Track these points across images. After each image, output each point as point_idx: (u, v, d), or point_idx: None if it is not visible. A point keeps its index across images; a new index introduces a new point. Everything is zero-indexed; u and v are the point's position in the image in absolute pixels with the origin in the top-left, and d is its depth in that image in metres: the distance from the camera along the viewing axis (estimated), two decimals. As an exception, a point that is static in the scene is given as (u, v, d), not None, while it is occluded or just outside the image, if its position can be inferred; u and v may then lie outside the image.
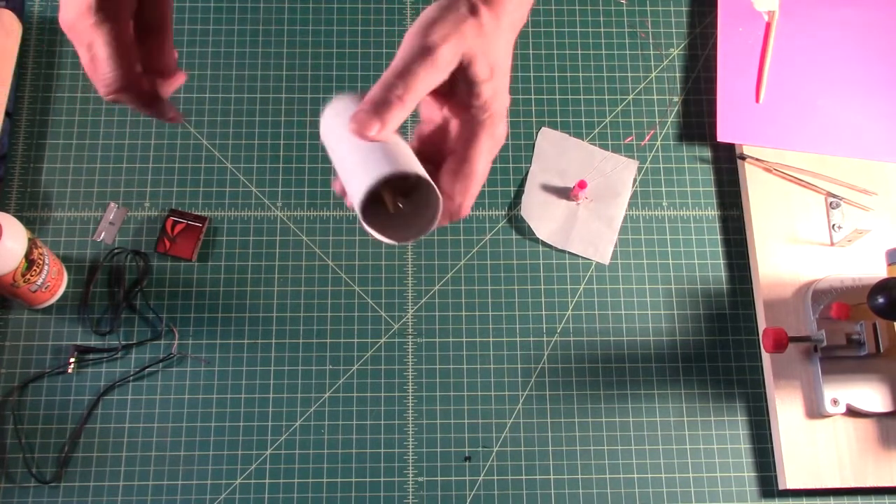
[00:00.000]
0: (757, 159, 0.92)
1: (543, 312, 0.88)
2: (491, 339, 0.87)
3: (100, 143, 0.92)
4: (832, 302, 0.84)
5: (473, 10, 0.49)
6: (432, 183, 0.51)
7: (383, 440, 0.84)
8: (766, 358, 0.87)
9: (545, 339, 0.88)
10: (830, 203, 0.91)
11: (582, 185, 0.89)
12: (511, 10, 0.51)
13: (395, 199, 0.54)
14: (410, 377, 0.86)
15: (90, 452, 0.82)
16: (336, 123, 0.54)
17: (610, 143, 0.94)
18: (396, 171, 0.49)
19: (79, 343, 0.85)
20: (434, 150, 0.54)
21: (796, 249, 0.90)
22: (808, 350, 0.86)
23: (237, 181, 0.92)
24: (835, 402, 0.83)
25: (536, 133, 0.94)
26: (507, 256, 0.90)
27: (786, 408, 0.84)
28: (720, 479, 0.84)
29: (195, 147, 0.92)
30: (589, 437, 0.85)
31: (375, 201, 0.53)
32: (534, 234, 0.90)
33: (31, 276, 0.80)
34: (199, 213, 0.90)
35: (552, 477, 0.83)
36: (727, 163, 0.94)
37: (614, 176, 0.93)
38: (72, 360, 0.84)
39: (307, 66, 0.96)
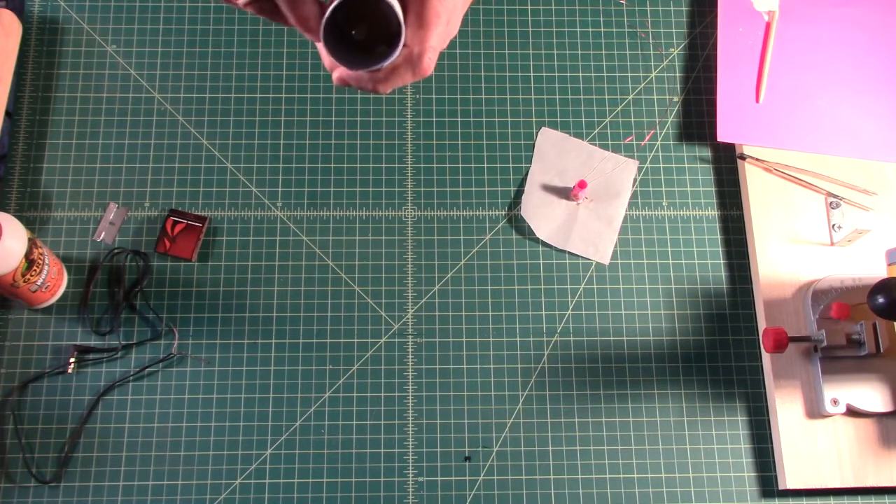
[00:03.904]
0: (757, 159, 0.92)
1: (543, 312, 0.88)
2: (491, 339, 0.87)
3: (100, 143, 0.92)
4: (832, 302, 0.84)
5: None
6: (392, 4, 0.53)
7: (383, 440, 0.84)
8: (766, 358, 0.87)
9: (545, 339, 0.88)
10: (830, 203, 0.91)
11: (582, 185, 0.89)
12: None
13: (365, 33, 0.57)
14: (410, 377, 0.86)
15: (90, 452, 0.82)
16: None
17: (610, 143, 0.94)
18: None
19: (79, 343, 0.85)
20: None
21: (796, 249, 0.90)
22: (808, 350, 0.86)
23: (237, 181, 0.92)
24: (835, 402, 0.83)
25: (536, 133, 0.94)
26: (507, 256, 0.90)
27: (786, 408, 0.84)
28: (720, 479, 0.84)
29: (195, 147, 0.92)
30: (589, 437, 0.85)
31: (356, 45, 0.57)
32: (534, 234, 0.90)
33: (31, 276, 0.80)
34: (199, 213, 0.90)
35: (552, 477, 0.83)
36: (727, 163, 0.94)
37: (614, 176, 0.93)
38: (72, 360, 0.84)
39: (307, 66, 0.96)
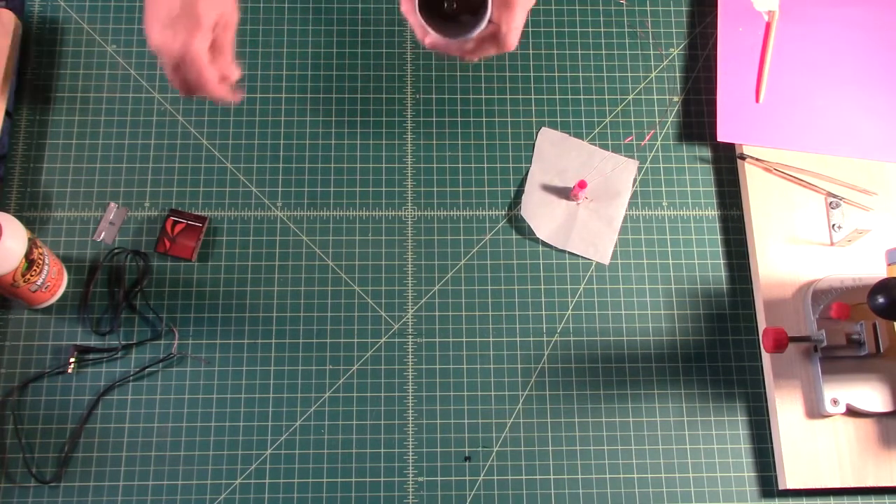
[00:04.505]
0: (757, 159, 0.92)
1: (543, 312, 0.88)
2: (491, 339, 0.87)
3: (100, 143, 0.92)
4: (832, 302, 0.84)
5: None
6: None
7: (383, 440, 0.84)
8: (766, 358, 0.87)
9: (545, 339, 0.88)
10: (830, 203, 0.91)
11: (582, 185, 0.89)
12: None
13: (455, 8, 0.65)
14: (410, 377, 0.86)
15: (90, 452, 0.82)
16: None
17: (610, 143, 0.94)
18: None
19: (79, 343, 0.85)
20: None
21: (796, 249, 0.90)
22: (808, 350, 0.86)
23: (237, 181, 0.92)
24: (835, 402, 0.83)
25: (536, 133, 0.94)
26: (507, 256, 0.90)
27: (786, 408, 0.84)
28: (720, 479, 0.84)
29: (195, 147, 0.92)
30: (589, 437, 0.85)
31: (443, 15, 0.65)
32: (534, 234, 0.90)
33: (31, 276, 0.80)
34: (199, 213, 0.90)
35: (552, 477, 0.83)
36: (727, 163, 0.94)
37: (614, 176, 0.93)
38: (72, 360, 0.84)
39: (307, 66, 0.96)
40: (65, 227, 0.89)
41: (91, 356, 0.85)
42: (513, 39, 0.65)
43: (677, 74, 0.97)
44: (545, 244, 0.91)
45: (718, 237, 0.92)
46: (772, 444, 0.85)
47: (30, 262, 0.79)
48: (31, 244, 0.79)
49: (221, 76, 0.73)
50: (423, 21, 0.64)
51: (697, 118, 0.96)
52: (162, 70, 0.89)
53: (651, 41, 0.99)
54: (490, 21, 0.65)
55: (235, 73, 0.75)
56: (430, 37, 0.66)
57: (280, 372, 0.85)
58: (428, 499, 0.82)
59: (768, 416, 0.86)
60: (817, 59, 0.96)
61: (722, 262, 0.91)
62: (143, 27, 0.95)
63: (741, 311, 0.89)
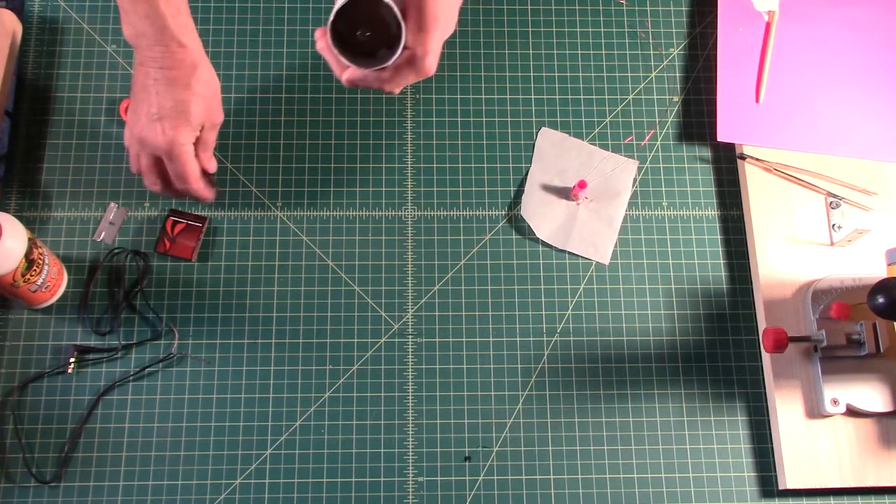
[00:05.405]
0: (757, 159, 0.92)
1: (543, 312, 0.88)
2: (491, 339, 0.87)
3: (100, 143, 0.92)
4: (832, 302, 0.84)
5: None
6: (392, 6, 0.60)
7: (383, 440, 0.84)
8: (766, 358, 0.87)
9: (545, 339, 0.88)
10: (830, 203, 0.91)
11: (582, 185, 0.89)
12: None
13: (367, 36, 0.63)
14: (410, 377, 0.86)
15: (90, 452, 0.82)
16: None
17: (610, 143, 0.94)
18: None
19: (79, 343, 0.85)
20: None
21: (796, 249, 0.90)
22: (808, 350, 0.86)
23: (237, 181, 0.92)
24: (835, 402, 0.83)
25: (536, 133, 0.94)
26: (507, 256, 0.90)
27: (786, 408, 0.84)
28: (720, 479, 0.84)
29: (195, 147, 0.92)
30: (589, 437, 0.85)
31: (359, 45, 0.63)
32: (534, 234, 0.90)
33: (31, 276, 0.80)
34: (199, 213, 0.90)
35: (552, 477, 0.83)
36: (727, 163, 0.94)
37: (614, 176, 0.93)
38: (72, 360, 0.84)
39: (307, 66, 0.96)
40: (65, 227, 0.89)
41: (91, 356, 0.85)
42: (430, 63, 0.63)
43: (677, 74, 0.97)
44: (545, 244, 0.91)
45: (718, 237, 0.92)
46: (772, 444, 0.85)
47: (30, 262, 0.79)
48: (31, 244, 0.79)
49: (202, 170, 0.78)
50: (339, 54, 0.63)
51: (697, 118, 0.96)
52: (127, 164, 0.88)
53: (651, 41, 0.99)
54: (406, 47, 0.63)
55: (212, 166, 0.79)
56: (347, 71, 0.64)
57: (280, 372, 0.85)
58: (428, 499, 0.82)
59: (768, 416, 0.86)
60: (817, 59, 0.96)
61: (722, 262, 0.91)
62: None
63: (741, 311, 0.89)
